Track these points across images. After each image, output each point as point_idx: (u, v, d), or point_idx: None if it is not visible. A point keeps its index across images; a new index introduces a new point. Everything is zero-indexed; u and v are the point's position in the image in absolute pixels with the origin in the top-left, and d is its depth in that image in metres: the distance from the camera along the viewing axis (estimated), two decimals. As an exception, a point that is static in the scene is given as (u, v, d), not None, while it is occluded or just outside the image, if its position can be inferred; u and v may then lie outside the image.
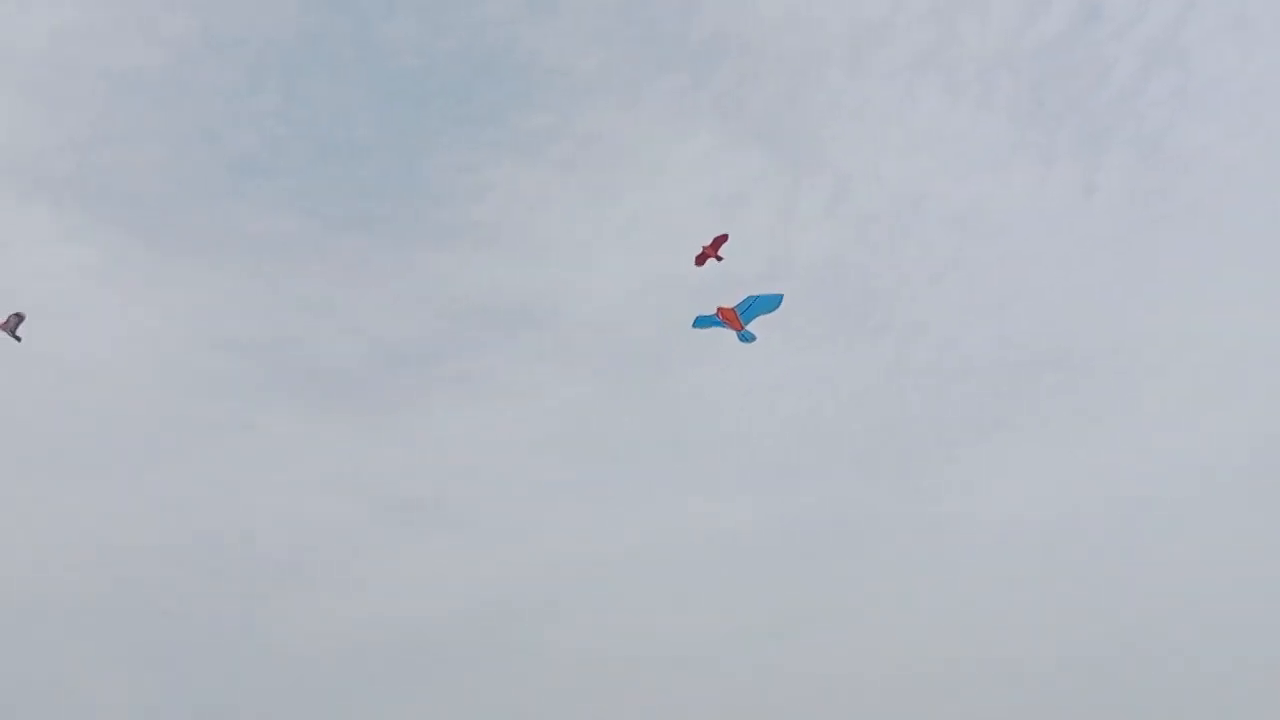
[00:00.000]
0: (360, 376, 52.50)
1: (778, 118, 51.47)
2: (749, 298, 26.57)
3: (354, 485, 52.75)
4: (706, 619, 44.30)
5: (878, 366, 49.97)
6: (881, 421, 48.87)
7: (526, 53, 51.14)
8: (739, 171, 50.21)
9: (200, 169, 51.68)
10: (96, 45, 48.57)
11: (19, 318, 29.15)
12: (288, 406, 53.22)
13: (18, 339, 29.60)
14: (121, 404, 57.57)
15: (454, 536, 55.24)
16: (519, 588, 49.20)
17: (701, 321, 27.26)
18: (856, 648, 42.83)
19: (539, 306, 51.86)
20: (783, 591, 44.14)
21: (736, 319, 27.05)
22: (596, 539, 46.96)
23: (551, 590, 46.79)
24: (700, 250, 27.37)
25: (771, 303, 26.64)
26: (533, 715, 49.02)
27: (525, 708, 49.48)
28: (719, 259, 27.38)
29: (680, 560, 45.79)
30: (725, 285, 28.90)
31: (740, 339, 27.53)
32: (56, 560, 59.23)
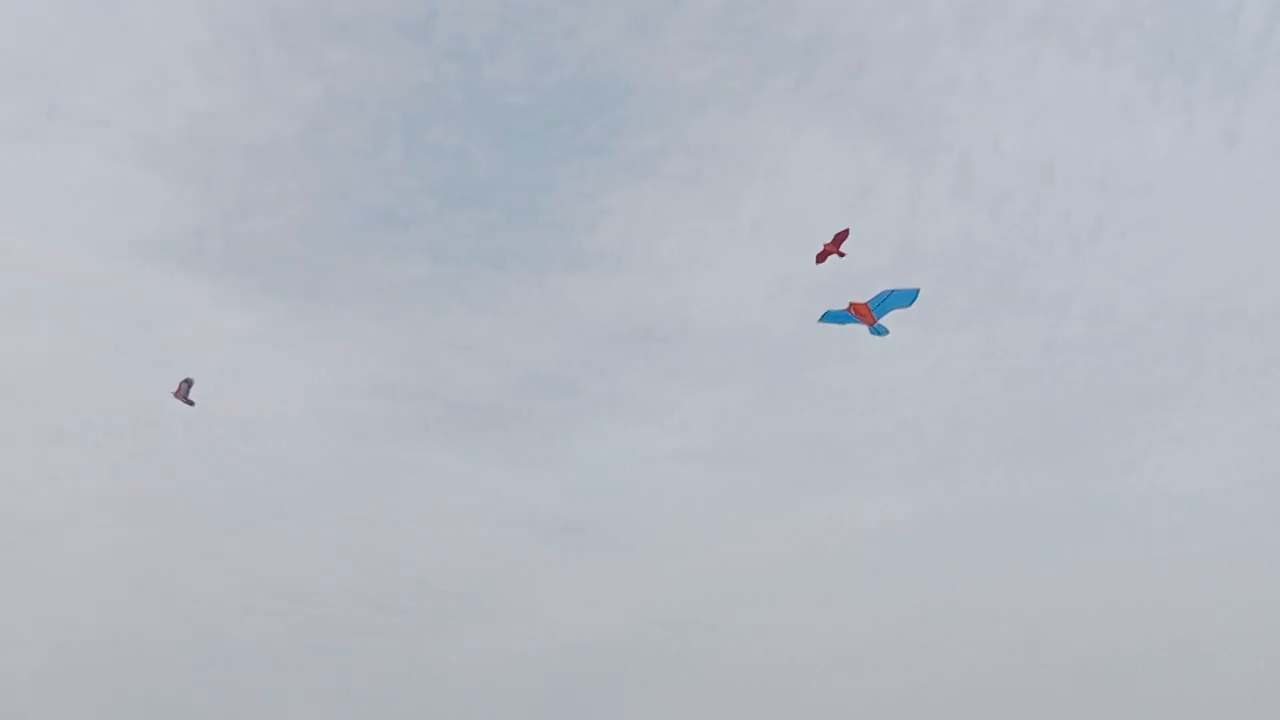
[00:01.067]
0: (506, 407, 54.10)
1: (891, 105, 50.43)
2: (884, 292, 25.98)
3: (511, 514, 54.24)
4: (869, 619, 43.35)
5: (1028, 345, 48.13)
6: (1040, 401, 47.00)
7: (631, 75, 51.78)
8: (857, 164, 49.38)
9: (336, 227, 54.48)
10: (233, 123, 51.97)
11: (189, 383, 31.36)
12: (442, 442, 55.28)
13: (190, 403, 31.83)
14: (290, 455, 61.05)
15: (612, 557, 56.07)
16: (681, 603, 49.41)
17: (830, 317, 26.74)
18: (1026, 642, 41.06)
19: (670, 322, 52.20)
20: (946, 587, 42.81)
21: (869, 313, 26.44)
22: (752, 547, 46.72)
23: (713, 602, 46.79)
24: (821, 248, 26.88)
25: (907, 297, 25.97)
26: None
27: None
28: (841, 255, 26.85)
29: (838, 561, 45.02)
30: (852, 281, 28.40)
31: (872, 333, 26.88)
32: (248, 605, 63.24)
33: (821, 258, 27.21)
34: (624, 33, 52.17)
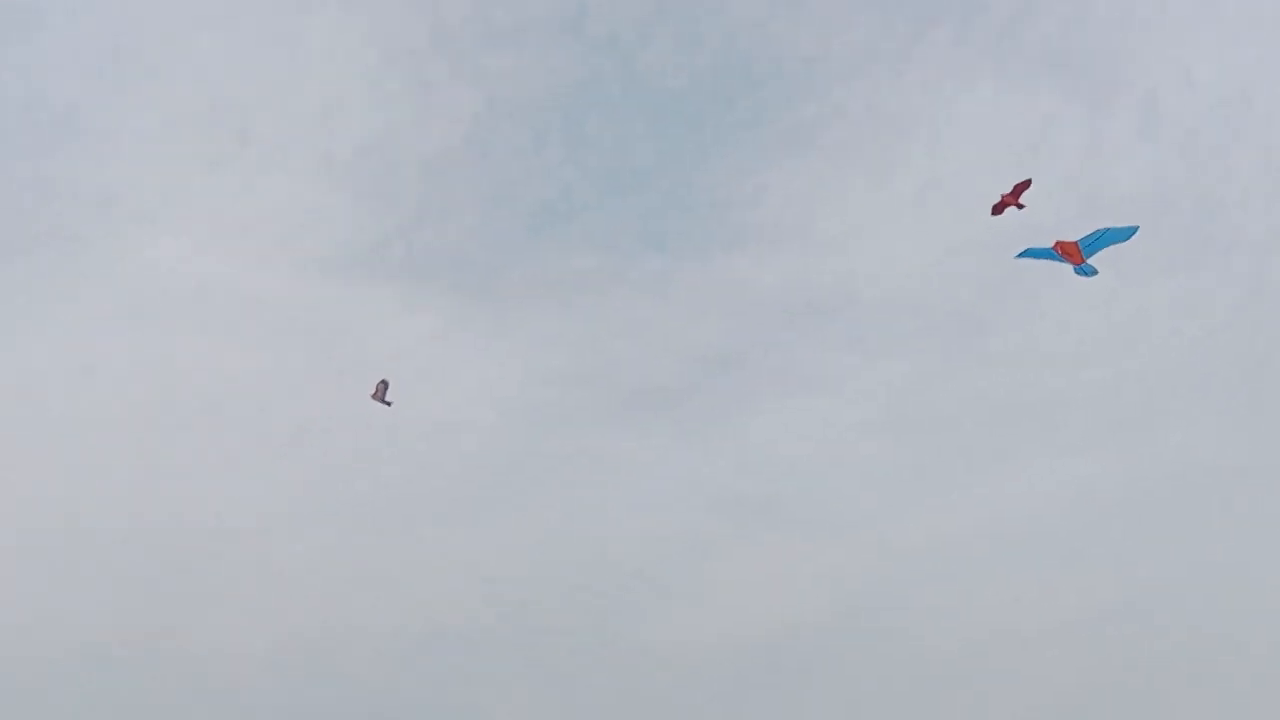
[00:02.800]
0: (682, 388, 54.83)
1: (1063, 46, 47.77)
2: (1096, 231, 24.77)
3: (694, 494, 55.04)
4: (1071, 589, 41.61)
5: (1234, 291, 44.79)
6: (1253, 349, 43.69)
7: (782, 46, 51.18)
8: (1029, 113, 47.10)
9: (506, 227, 56.53)
10: (404, 138, 54.70)
11: (385, 385, 33.35)
12: (622, 428, 56.62)
13: (388, 404, 33.84)
14: (480, 449, 63.95)
15: (799, 535, 55.98)
16: (874, 579, 48.84)
17: (1032, 253, 25.64)
18: (1242, 610, 38.41)
19: (838, 294, 51.47)
20: (1155, 553, 40.60)
21: (1078, 253, 25.29)
22: (945, 519, 45.65)
23: (908, 577, 46.02)
24: (999, 199, 25.84)
25: (1125, 234, 24.66)
26: (900, 711, 48.27)
27: (890, 703, 48.84)
28: (1020, 207, 25.77)
29: (1034, 530, 43.41)
30: (1029, 236, 27.29)
31: (1078, 273, 25.66)
32: (453, 595, 66.80)
33: (999, 209, 26.21)
34: (772, 4, 51.54)
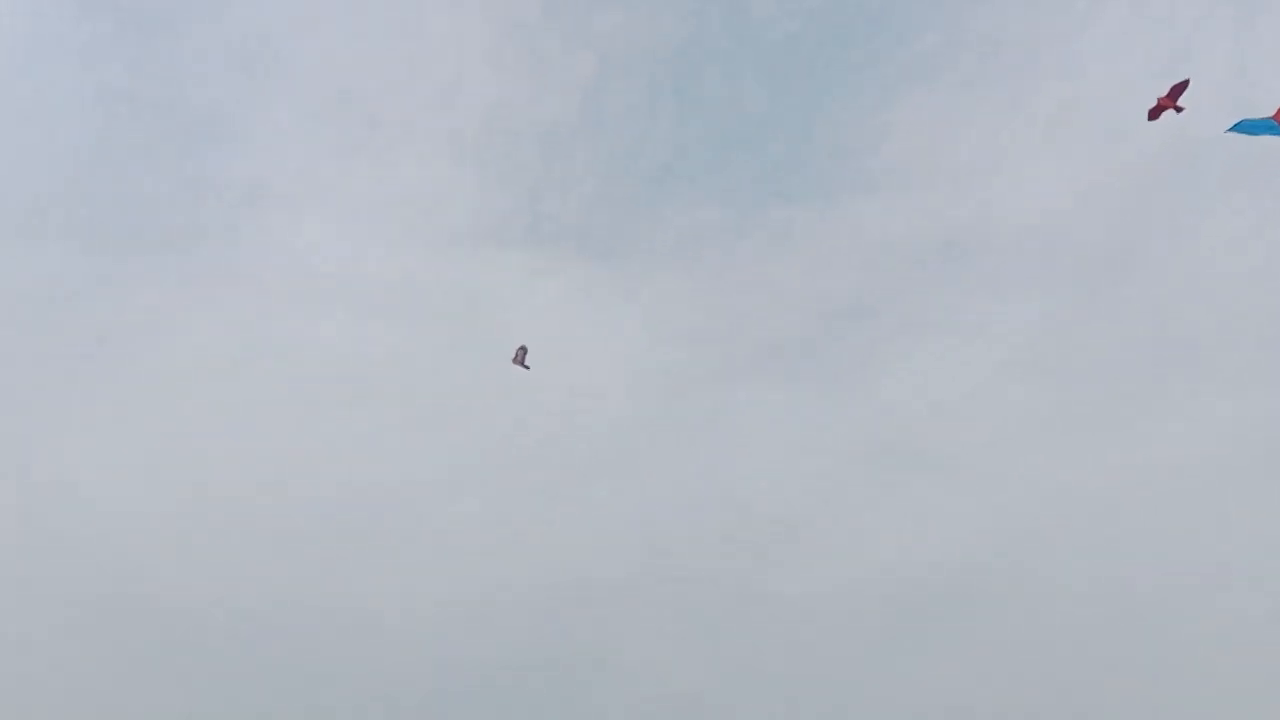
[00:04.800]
0: (812, 340, 54.51)
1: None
2: None
3: (829, 443, 54.85)
4: (1230, 531, 39.57)
5: None
6: None
7: (900, -20, 49.38)
8: (1175, 22, 44.02)
9: (626, 188, 57.04)
10: (523, 110, 55.67)
11: (524, 350, 34.48)
12: (754, 381, 56.83)
13: (527, 368, 35.01)
14: (616, 409, 65.36)
15: (932, 480, 55.14)
16: (1009, 524, 47.74)
17: (1247, 126, 24.00)
18: None
19: (974, 232, 49.87)
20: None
21: None
22: (1090, 461, 44.06)
23: (1044, 523, 44.77)
24: (1155, 103, 24.50)
25: None
26: (1046, 655, 47.16)
27: (1035, 648, 47.80)
28: (1178, 110, 24.36)
29: (1185, 472, 41.38)
30: (1181, 152, 25.73)
31: None
32: (596, 551, 68.97)
33: (1155, 113, 24.94)
34: (884, -67, 49.83)
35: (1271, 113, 23.58)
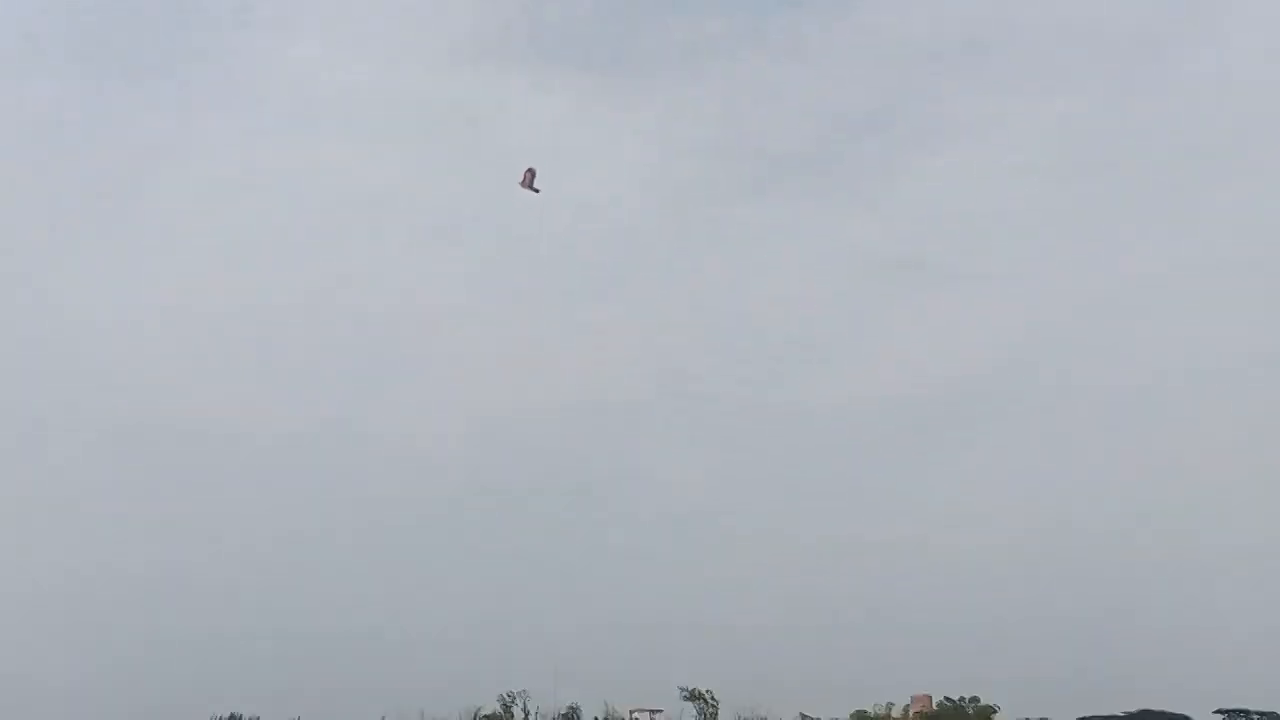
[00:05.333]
0: (826, 151, 53.05)
1: None
2: None
3: (843, 257, 54.32)
4: (1257, 333, 39.42)
5: None
6: None
7: None
8: None
9: (626, 3, 54.08)
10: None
11: (532, 173, 33.57)
12: (766, 195, 55.74)
13: (536, 190, 34.19)
14: (627, 226, 64.57)
15: (950, 290, 55.02)
16: (1025, 333, 47.79)
17: None
18: None
19: (995, 24, 47.52)
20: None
21: None
22: (1109, 264, 43.51)
23: (1067, 327, 44.75)
24: None
25: None
26: (1066, 458, 48.41)
27: (1056, 451, 49.06)
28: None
29: (1218, 269, 40.87)
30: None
31: None
32: (611, 369, 69.66)
33: None
34: None
35: None
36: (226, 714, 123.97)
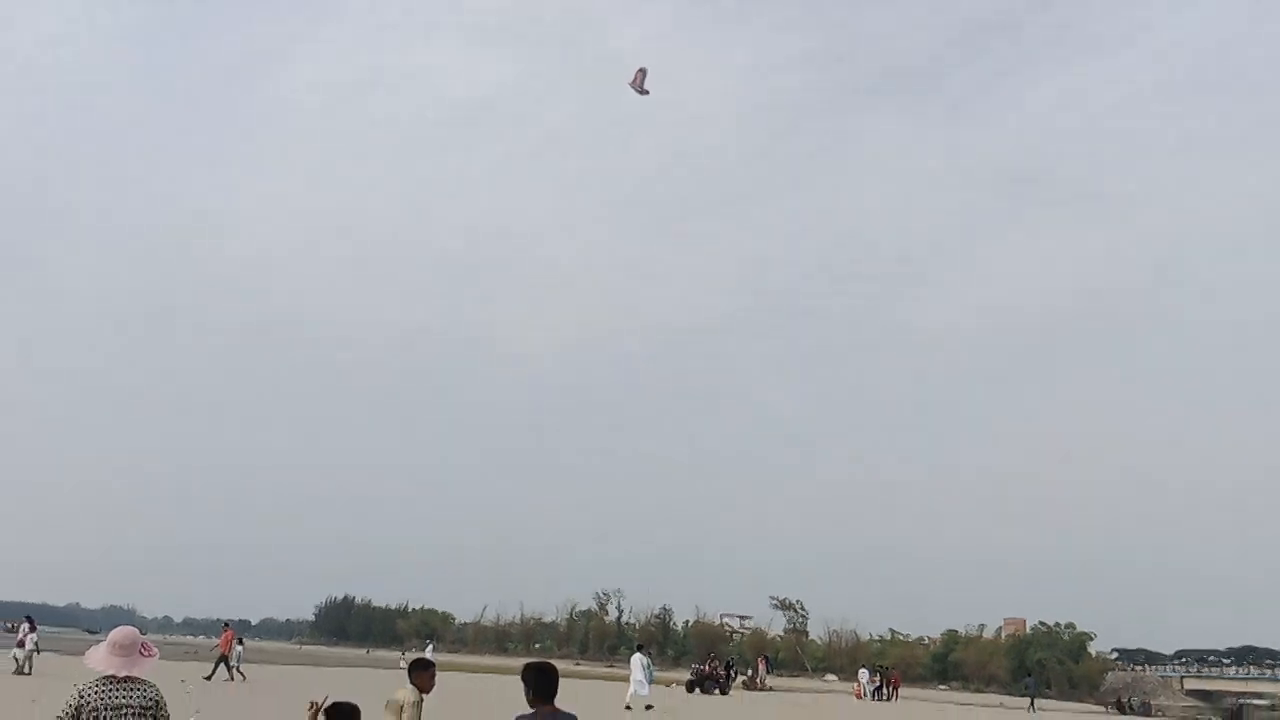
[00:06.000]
0: (943, 62, 50.86)
1: None
2: None
3: (959, 172, 52.50)
4: None
5: None
6: None
7: None
8: None
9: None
10: None
11: (643, 72, 33.22)
12: (877, 108, 53.95)
13: (645, 92, 33.87)
14: (733, 139, 63.40)
15: (1074, 209, 52.71)
16: (1148, 253, 45.64)
17: None
18: None
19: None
20: None
21: None
22: (1235, 190, 40.95)
23: (1187, 252, 42.53)
24: None
25: None
26: (1190, 379, 46.55)
27: (1172, 377, 47.20)
28: None
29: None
30: None
31: None
32: (714, 285, 69.42)
33: None
34: None
35: None
36: (340, 595, 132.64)
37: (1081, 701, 57.81)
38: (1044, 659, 68.37)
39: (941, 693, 56.95)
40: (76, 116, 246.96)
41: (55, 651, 29.37)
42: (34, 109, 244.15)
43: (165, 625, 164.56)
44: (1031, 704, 40.89)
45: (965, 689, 63.96)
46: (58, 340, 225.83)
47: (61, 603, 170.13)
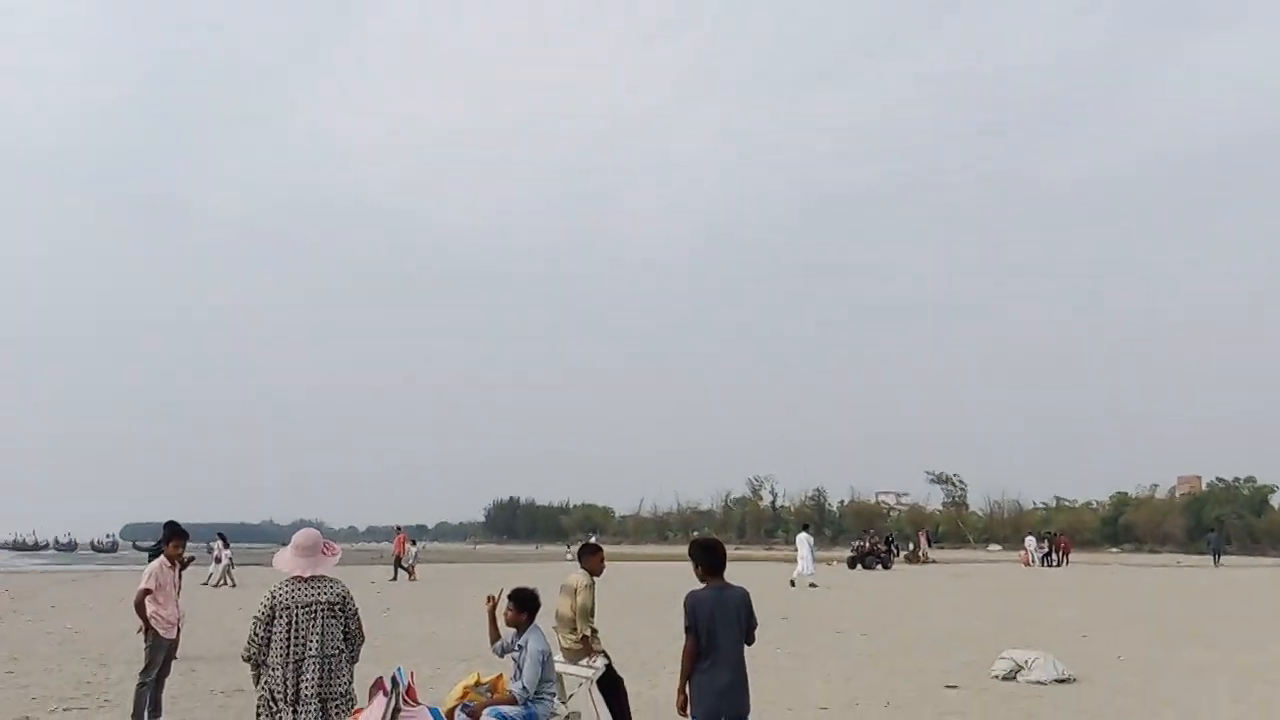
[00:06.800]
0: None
1: None
2: None
3: (1103, 4, 48.23)
4: None
5: None
6: None
7: None
8: None
9: None
10: None
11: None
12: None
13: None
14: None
15: (1225, 36, 47.85)
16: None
17: None
18: None
19: None
20: None
21: None
22: None
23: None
24: None
25: None
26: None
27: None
28: None
29: None
30: None
31: None
32: (842, 155, 66.82)
33: None
34: None
35: None
36: (507, 496, 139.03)
37: (1265, 555, 55.26)
38: (1223, 515, 65.41)
39: (1114, 555, 55.46)
40: (218, 60, 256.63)
41: (255, 564, 31.87)
42: (181, 46, 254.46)
43: (350, 534, 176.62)
44: (1216, 559, 39.38)
45: (1139, 551, 62.04)
46: (224, 274, 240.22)
47: (256, 520, 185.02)
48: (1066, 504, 79.97)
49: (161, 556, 6.94)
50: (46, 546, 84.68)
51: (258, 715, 4.48)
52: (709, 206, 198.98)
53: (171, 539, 6.98)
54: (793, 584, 21.67)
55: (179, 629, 6.90)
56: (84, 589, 22.20)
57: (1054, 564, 38.12)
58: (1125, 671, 9.03)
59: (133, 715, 6.47)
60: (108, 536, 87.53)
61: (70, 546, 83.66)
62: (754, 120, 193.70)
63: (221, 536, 24.92)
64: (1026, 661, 8.63)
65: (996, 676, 8.62)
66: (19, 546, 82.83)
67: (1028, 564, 37.71)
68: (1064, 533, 47.78)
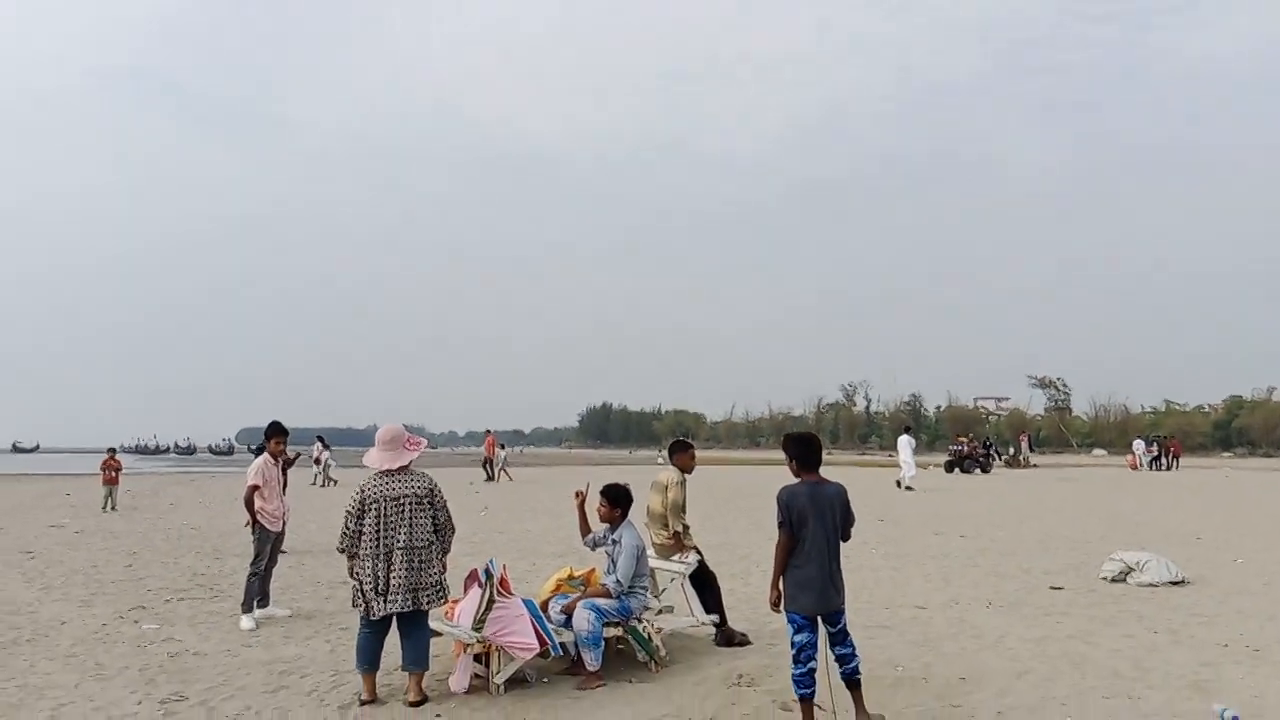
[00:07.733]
0: None
1: None
2: None
3: None
4: None
5: None
6: None
7: None
8: None
9: None
10: None
11: None
12: None
13: None
14: None
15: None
16: None
17: None
18: None
19: None
20: None
21: None
22: None
23: None
24: None
25: None
26: None
27: None
28: None
29: None
30: None
31: None
32: (945, 46, 63.59)
33: None
34: None
35: None
36: (600, 403, 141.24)
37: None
38: (1345, 418, 62.13)
39: (1226, 460, 53.40)
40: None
41: (357, 466, 33.03)
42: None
43: (450, 439, 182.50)
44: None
45: (1253, 455, 59.58)
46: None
47: (362, 425, 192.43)
48: (1177, 407, 77.06)
49: (265, 454, 7.15)
50: (168, 450, 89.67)
51: (354, 604, 4.58)
52: (797, 107, 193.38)
53: (273, 436, 7.15)
54: (901, 485, 21.45)
55: (284, 522, 7.11)
56: (200, 489, 23.31)
57: (1163, 467, 36.90)
58: (1243, 575, 8.64)
59: (243, 604, 6.69)
60: (224, 440, 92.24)
61: (189, 450, 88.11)
62: (845, 14, 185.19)
63: (320, 439, 25.69)
64: (1138, 563, 8.30)
65: (1105, 579, 8.31)
66: (142, 450, 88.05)
67: (1135, 467, 36.57)
68: (1174, 436, 46.12)
